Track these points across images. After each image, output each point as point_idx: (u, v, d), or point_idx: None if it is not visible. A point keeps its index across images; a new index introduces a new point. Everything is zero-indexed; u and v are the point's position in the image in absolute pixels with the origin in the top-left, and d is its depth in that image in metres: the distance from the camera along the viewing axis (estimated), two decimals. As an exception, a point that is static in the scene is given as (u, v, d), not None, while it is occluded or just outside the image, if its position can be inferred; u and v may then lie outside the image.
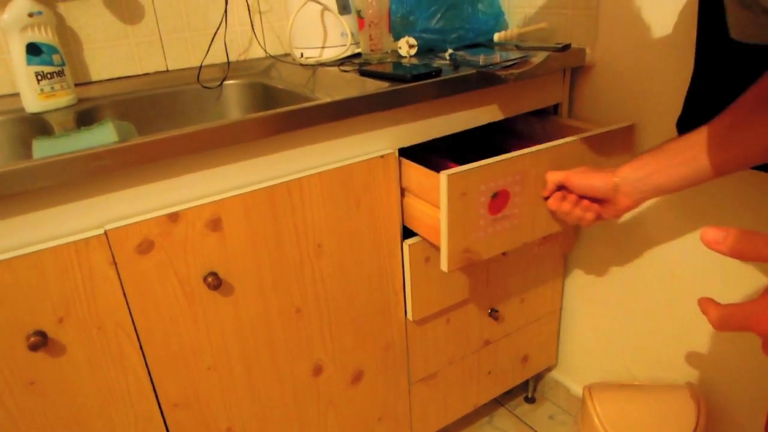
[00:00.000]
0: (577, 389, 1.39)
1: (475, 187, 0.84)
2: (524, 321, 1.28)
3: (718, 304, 0.45)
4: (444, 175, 0.81)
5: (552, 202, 0.90)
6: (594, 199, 0.85)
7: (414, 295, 1.02)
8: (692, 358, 1.11)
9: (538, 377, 1.49)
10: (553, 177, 0.89)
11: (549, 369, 1.47)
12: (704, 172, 0.72)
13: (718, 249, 0.43)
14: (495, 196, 0.87)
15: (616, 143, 1.00)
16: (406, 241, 0.98)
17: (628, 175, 0.79)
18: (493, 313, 1.19)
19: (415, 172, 0.93)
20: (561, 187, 0.89)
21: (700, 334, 1.08)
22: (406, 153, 0.96)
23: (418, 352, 1.11)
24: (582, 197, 0.87)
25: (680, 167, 0.73)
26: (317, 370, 0.98)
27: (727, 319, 0.45)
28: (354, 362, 1.03)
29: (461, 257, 0.88)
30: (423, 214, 0.93)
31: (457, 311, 1.13)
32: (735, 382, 1.05)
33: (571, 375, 1.42)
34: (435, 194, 0.87)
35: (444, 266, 0.88)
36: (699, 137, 0.72)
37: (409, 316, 1.04)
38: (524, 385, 1.48)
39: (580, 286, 1.31)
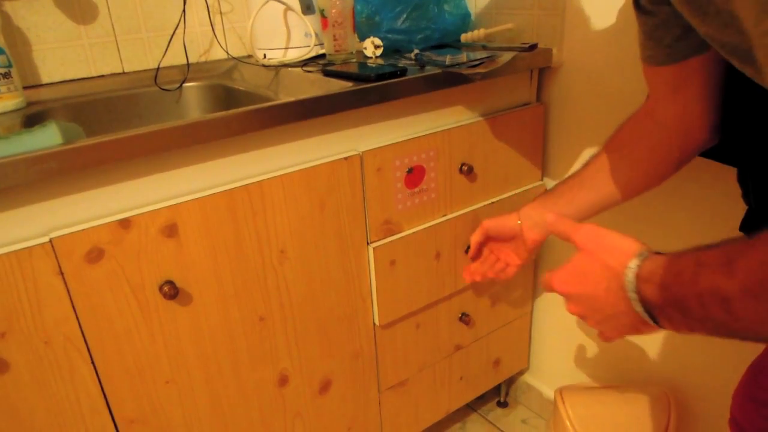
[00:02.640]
0: (549, 393, 1.38)
1: (389, 162, 0.93)
2: (495, 325, 1.26)
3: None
4: (359, 156, 0.89)
5: (472, 277, 0.99)
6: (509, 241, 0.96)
7: (380, 298, 1.00)
8: (662, 359, 1.11)
9: (510, 381, 1.47)
10: (475, 237, 0.97)
11: (521, 373, 1.45)
12: (584, 209, 0.84)
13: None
14: (410, 171, 0.96)
15: (526, 122, 1.11)
16: (371, 244, 0.95)
17: (528, 214, 0.90)
18: (464, 318, 1.17)
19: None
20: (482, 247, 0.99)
21: (670, 336, 1.08)
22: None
23: (387, 359, 1.08)
24: (497, 240, 0.97)
25: (565, 206, 0.85)
26: (283, 381, 0.95)
27: (545, 281, 0.59)
28: (321, 371, 1.00)
29: (382, 228, 0.96)
30: None
31: (427, 316, 1.11)
32: (705, 383, 1.05)
33: (543, 378, 1.41)
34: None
35: (368, 237, 0.95)
36: (576, 180, 0.84)
37: (376, 320, 1.02)
38: (496, 390, 1.46)
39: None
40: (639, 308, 0.49)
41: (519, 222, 0.91)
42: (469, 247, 1.07)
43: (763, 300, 0.38)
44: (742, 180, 0.71)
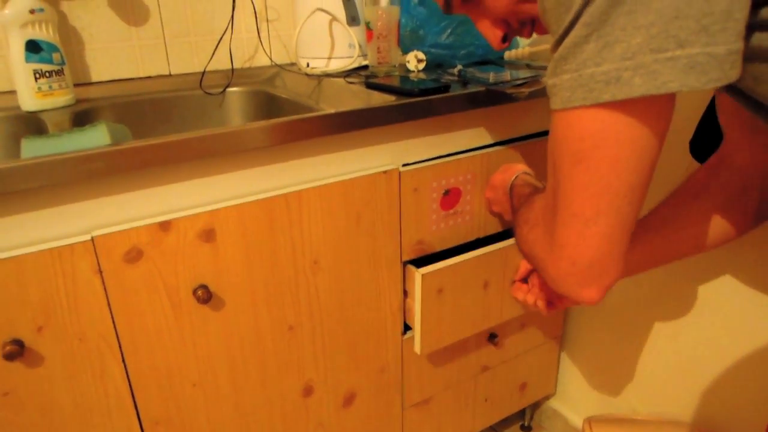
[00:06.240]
0: (575, 420, 1.35)
1: (427, 184, 0.93)
2: (524, 347, 1.24)
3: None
4: (397, 171, 0.89)
5: (518, 294, 0.98)
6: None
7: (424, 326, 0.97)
8: (697, 394, 1.07)
9: (536, 406, 1.44)
10: (527, 264, 0.99)
11: (547, 398, 1.42)
12: (649, 257, 0.76)
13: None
14: (447, 193, 0.95)
15: None
16: (419, 270, 0.93)
17: None
18: (492, 339, 1.15)
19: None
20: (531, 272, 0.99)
21: (706, 369, 1.04)
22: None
23: (413, 376, 1.07)
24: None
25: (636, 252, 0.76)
26: (308, 391, 0.94)
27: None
28: (346, 384, 0.99)
29: (415, 248, 0.96)
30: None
31: (456, 335, 1.09)
32: (740, 422, 1.01)
33: (570, 405, 1.38)
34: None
35: (399, 257, 0.95)
36: (641, 225, 0.76)
37: (417, 348, 0.99)
38: (521, 413, 1.44)
39: (582, 313, 1.27)
40: (508, 195, 0.89)
41: None
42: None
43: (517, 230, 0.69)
44: None
